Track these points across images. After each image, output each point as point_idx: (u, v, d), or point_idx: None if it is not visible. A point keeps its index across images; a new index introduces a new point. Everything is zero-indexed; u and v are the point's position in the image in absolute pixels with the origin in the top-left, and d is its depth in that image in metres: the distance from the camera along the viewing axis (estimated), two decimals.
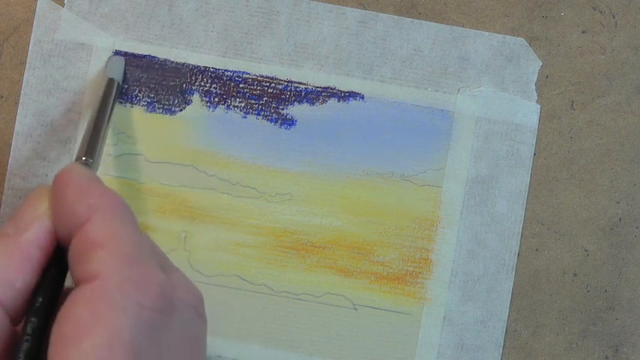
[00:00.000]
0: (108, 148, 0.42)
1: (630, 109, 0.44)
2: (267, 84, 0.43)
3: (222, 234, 0.43)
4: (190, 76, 0.43)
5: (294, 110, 0.43)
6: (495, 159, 0.43)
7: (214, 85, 0.43)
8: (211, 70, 0.43)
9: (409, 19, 0.43)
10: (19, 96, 0.42)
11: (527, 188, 0.43)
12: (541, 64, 0.43)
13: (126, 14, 0.43)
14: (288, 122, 0.43)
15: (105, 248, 0.30)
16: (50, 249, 0.32)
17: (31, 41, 0.43)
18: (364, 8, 0.43)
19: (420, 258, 0.43)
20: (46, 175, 0.42)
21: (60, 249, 0.32)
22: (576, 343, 0.43)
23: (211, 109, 0.43)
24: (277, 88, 0.43)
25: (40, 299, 0.31)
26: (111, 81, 0.40)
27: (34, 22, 0.43)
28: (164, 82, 0.43)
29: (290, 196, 0.43)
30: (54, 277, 0.32)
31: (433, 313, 0.43)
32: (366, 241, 0.43)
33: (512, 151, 0.43)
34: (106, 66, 0.42)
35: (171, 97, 0.43)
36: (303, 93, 0.43)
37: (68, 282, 0.33)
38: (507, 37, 0.43)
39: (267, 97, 0.43)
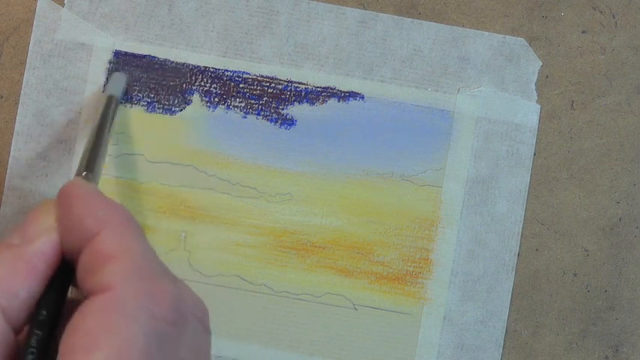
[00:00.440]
0: (108, 148, 0.42)
1: (630, 109, 0.44)
2: (267, 84, 0.43)
3: (222, 234, 0.43)
4: (190, 76, 0.43)
5: (294, 110, 0.43)
6: (495, 159, 0.43)
7: (214, 85, 0.43)
8: (211, 70, 0.43)
9: (409, 19, 0.43)
10: (19, 96, 0.42)
11: (527, 188, 0.43)
12: (541, 64, 0.43)
13: (126, 14, 0.43)
14: (288, 122, 0.43)
15: (117, 260, 0.30)
16: (55, 262, 0.32)
17: (31, 41, 0.43)
18: (364, 8, 0.43)
19: (420, 258, 0.43)
20: (46, 175, 0.42)
21: (64, 262, 0.32)
22: (576, 343, 0.43)
23: (211, 109, 0.43)
24: (277, 88, 0.43)
25: (45, 312, 0.31)
26: (110, 98, 0.40)
27: (34, 22, 0.43)
28: (164, 82, 0.43)
29: (290, 196, 0.43)
30: (58, 290, 0.32)
31: (433, 313, 0.43)
32: (366, 241, 0.43)
33: (512, 151, 0.43)
34: (107, 82, 0.42)
35: (171, 97, 0.43)
36: (303, 93, 0.43)
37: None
38: (507, 37, 0.43)
39: (267, 97, 0.43)
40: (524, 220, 0.43)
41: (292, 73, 0.43)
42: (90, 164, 0.36)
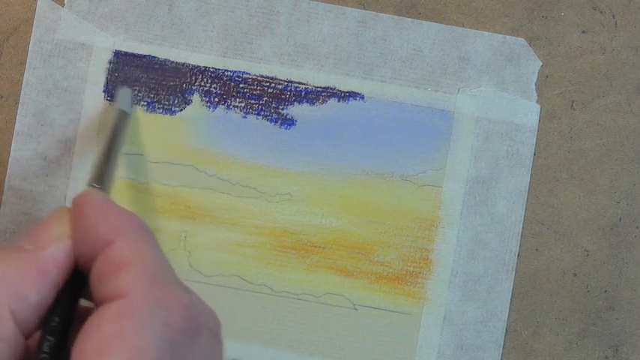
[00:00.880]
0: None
1: (630, 109, 0.44)
2: (267, 84, 0.43)
3: (222, 234, 0.43)
4: (190, 76, 0.43)
5: (294, 110, 0.43)
6: (495, 159, 0.43)
7: (214, 85, 0.43)
8: (211, 70, 0.43)
9: (409, 19, 0.43)
10: (19, 96, 0.42)
11: (527, 188, 0.43)
12: (541, 64, 0.43)
13: (126, 14, 0.43)
14: (288, 122, 0.43)
15: (130, 268, 0.30)
16: (68, 269, 0.32)
17: (31, 41, 0.43)
18: (364, 8, 0.43)
19: (420, 258, 0.43)
20: (46, 175, 0.42)
21: (77, 271, 0.33)
22: (576, 343, 0.43)
23: (211, 109, 0.43)
24: (277, 88, 0.43)
25: (57, 319, 0.31)
26: (122, 113, 0.41)
27: (34, 22, 0.43)
28: (164, 82, 0.43)
29: (290, 196, 0.43)
30: (70, 297, 0.32)
31: (433, 313, 0.43)
32: (366, 241, 0.43)
33: (512, 151, 0.43)
34: (115, 98, 0.42)
35: (171, 97, 0.43)
36: (303, 93, 0.43)
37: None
38: (507, 37, 0.43)
39: (267, 97, 0.43)
40: (524, 220, 0.43)
41: (292, 73, 0.43)
42: (101, 176, 0.37)
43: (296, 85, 0.43)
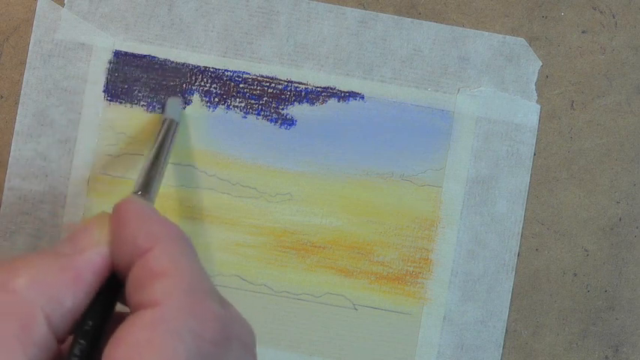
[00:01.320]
0: (108, 148, 0.42)
1: (630, 109, 0.44)
2: (267, 84, 0.43)
3: (222, 234, 0.43)
4: (190, 76, 0.43)
5: (294, 110, 0.43)
6: (495, 159, 0.43)
7: (214, 85, 0.43)
8: (211, 70, 0.43)
9: (409, 19, 0.43)
10: (19, 96, 0.42)
11: (527, 188, 0.43)
12: (541, 64, 0.43)
13: (126, 14, 0.43)
14: (288, 122, 0.43)
15: (166, 277, 0.31)
16: (104, 275, 0.32)
17: (31, 41, 0.43)
18: (364, 8, 0.43)
19: (420, 258, 0.43)
20: (46, 176, 0.42)
21: (114, 277, 0.33)
22: (576, 343, 0.43)
23: (211, 109, 0.43)
24: (277, 88, 0.43)
25: (91, 322, 0.32)
26: (171, 122, 0.40)
27: (34, 22, 0.43)
28: (164, 82, 0.43)
29: (290, 196, 0.43)
30: (105, 302, 0.33)
31: (433, 313, 0.43)
32: (366, 241, 0.43)
33: (512, 151, 0.43)
34: (164, 107, 0.42)
35: (167, 99, 0.43)
36: (303, 93, 0.43)
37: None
38: (507, 37, 0.43)
39: (267, 97, 0.43)
40: (524, 220, 0.43)
41: (292, 73, 0.43)
42: (147, 184, 0.37)
43: (296, 85, 0.43)
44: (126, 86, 0.43)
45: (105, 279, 0.32)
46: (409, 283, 0.43)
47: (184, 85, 0.43)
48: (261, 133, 0.43)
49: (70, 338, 0.32)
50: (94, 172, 0.42)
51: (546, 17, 0.44)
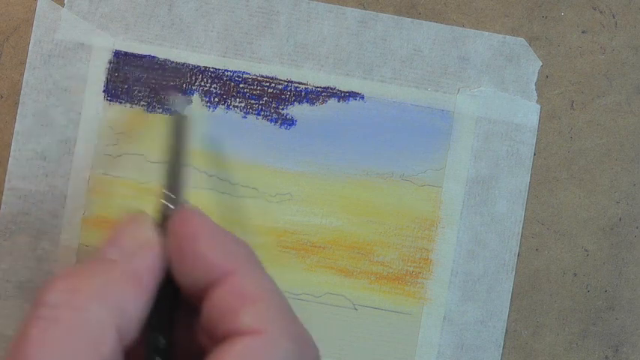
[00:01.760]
0: (108, 148, 0.42)
1: (630, 109, 0.44)
2: (267, 84, 0.43)
3: None
4: (190, 76, 0.43)
5: (294, 110, 0.43)
6: (495, 159, 0.43)
7: (214, 85, 0.43)
8: (211, 70, 0.43)
9: (409, 19, 0.43)
10: (19, 96, 0.42)
11: (527, 188, 0.43)
12: (541, 64, 0.43)
13: (126, 14, 0.43)
14: (288, 122, 0.43)
15: (261, 302, 0.30)
16: (160, 277, 0.32)
17: (31, 41, 0.43)
18: (364, 8, 0.43)
19: (420, 258, 0.43)
20: (46, 176, 0.42)
21: (168, 279, 0.32)
22: (576, 343, 0.43)
23: (211, 109, 0.43)
24: (277, 88, 0.43)
25: (163, 340, 0.31)
26: (182, 117, 0.39)
27: (34, 22, 0.43)
28: (164, 82, 0.43)
29: (290, 196, 0.43)
30: (167, 306, 0.32)
31: (433, 313, 0.43)
32: (366, 241, 0.43)
33: (512, 151, 0.43)
34: (170, 105, 0.42)
35: (171, 97, 0.43)
36: (303, 93, 0.43)
37: None
38: (507, 37, 0.43)
39: (267, 97, 0.43)
40: (524, 220, 0.43)
41: (292, 73, 0.43)
42: (176, 187, 0.35)
43: (296, 85, 0.43)
44: (126, 86, 0.43)
45: (161, 281, 0.32)
46: (409, 283, 0.43)
47: (184, 85, 0.43)
48: (261, 133, 0.43)
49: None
50: (94, 172, 0.42)
51: (546, 17, 0.44)
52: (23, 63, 0.43)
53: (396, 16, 0.43)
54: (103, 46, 0.43)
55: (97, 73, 0.43)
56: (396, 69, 0.43)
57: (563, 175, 0.43)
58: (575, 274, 0.43)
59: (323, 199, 0.43)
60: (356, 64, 0.43)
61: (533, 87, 0.43)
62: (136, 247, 0.31)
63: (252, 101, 0.43)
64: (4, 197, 0.42)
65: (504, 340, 0.43)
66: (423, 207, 0.43)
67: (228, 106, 0.43)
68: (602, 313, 0.43)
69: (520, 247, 0.43)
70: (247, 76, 0.43)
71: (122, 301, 0.30)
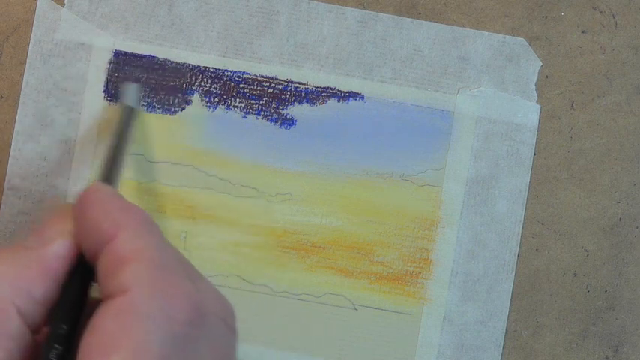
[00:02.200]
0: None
1: (630, 109, 0.44)
2: (267, 84, 0.43)
3: (222, 234, 0.43)
4: (190, 76, 0.43)
5: (294, 110, 0.43)
6: (495, 159, 0.43)
7: (214, 85, 0.43)
8: (211, 70, 0.43)
9: (409, 19, 0.43)
10: (19, 96, 0.42)
11: (527, 188, 0.43)
12: (541, 64, 0.43)
13: (126, 14, 0.43)
14: (288, 122, 0.43)
15: (133, 262, 0.31)
16: (70, 264, 0.33)
17: (31, 41, 0.43)
18: (364, 8, 0.43)
19: (420, 258, 0.43)
20: (46, 176, 0.42)
21: (84, 264, 0.33)
22: (576, 343, 0.43)
23: (211, 109, 0.43)
24: (277, 88, 0.43)
25: (63, 310, 0.32)
26: (128, 108, 0.41)
27: (34, 22, 0.43)
28: (164, 82, 0.43)
29: (290, 196, 0.43)
30: (77, 290, 0.33)
31: (433, 313, 0.43)
32: (366, 241, 0.43)
33: (512, 151, 0.43)
34: (122, 93, 0.42)
35: (171, 97, 0.43)
36: (303, 93, 0.43)
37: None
38: (507, 37, 0.43)
39: (267, 97, 0.43)
40: (524, 220, 0.43)
41: (292, 73, 0.43)
42: (108, 173, 0.37)
43: (296, 85, 0.43)
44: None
45: (73, 268, 0.33)
46: (409, 283, 0.43)
47: (184, 85, 0.43)
48: (261, 133, 0.43)
49: (45, 329, 0.32)
50: (94, 172, 0.42)
51: (546, 17, 0.44)
52: (23, 63, 0.43)
53: (396, 16, 0.43)
54: (103, 46, 0.43)
55: (97, 73, 0.43)
56: (396, 69, 0.43)
57: (563, 175, 0.43)
58: (575, 274, 0.43)
59: (323, 199, 0.43)
60: (356, 64, 0.43)
61: (533, 87, 0.43)
62: (51, 236, 0.33)
63: (252, 101, 0.43)
64: (4, 197, 0.42)
65: (504, 340, 0.43)
66: (423, 207, 0.43)
67: (228, 106, 0.43)
68: (602, 313, 0.43)
69: (520, 247, 0.43)
70: (247, 76, 0.43)
71: (26, 284, 0.31)
